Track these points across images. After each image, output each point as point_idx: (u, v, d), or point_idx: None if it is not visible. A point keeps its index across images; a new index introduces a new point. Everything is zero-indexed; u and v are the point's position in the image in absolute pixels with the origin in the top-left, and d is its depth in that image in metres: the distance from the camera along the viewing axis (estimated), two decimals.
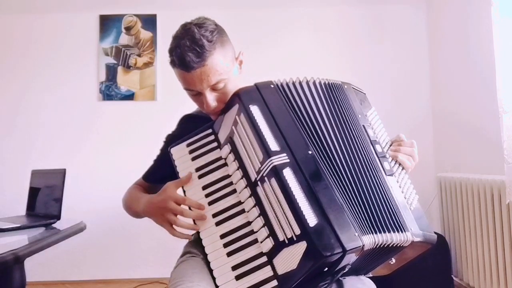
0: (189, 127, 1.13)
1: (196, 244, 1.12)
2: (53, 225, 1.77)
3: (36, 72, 3.04)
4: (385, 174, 0.99)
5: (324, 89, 1.05)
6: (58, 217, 1.81)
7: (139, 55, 3.04)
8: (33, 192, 2.07)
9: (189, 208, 1.02)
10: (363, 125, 1.04)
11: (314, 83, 1.05)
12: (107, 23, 3.06)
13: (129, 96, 3.03)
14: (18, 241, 1.47)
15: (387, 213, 0.93)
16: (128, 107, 3.03)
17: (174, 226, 1.02)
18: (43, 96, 3.03)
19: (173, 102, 2.44)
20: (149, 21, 3.05)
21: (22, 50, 3.05)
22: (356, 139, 1.00)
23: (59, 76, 3.04)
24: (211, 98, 1.05)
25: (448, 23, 2.76)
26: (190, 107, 1.26)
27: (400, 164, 1.05)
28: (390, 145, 1.08)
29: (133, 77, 3.04)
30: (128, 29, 3.05)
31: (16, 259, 1.27)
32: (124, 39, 3.05)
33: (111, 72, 3.03)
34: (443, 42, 2.82)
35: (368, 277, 1.07)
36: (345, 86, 1.10)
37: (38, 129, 3.01)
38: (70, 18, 3.06)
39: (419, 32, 3.04)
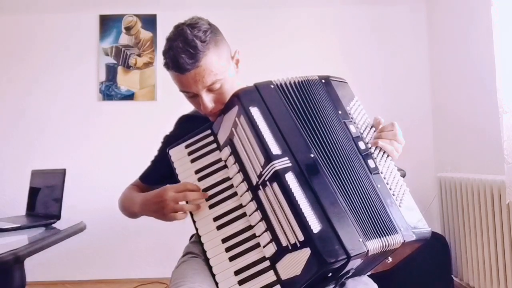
0: (187, 128, 1.12)
1: (197, 245, 1.12)
2: (53, 225, 1.77)
3: (36, 72, 3.03)
4: (370, 173, 0.96)
5: (299, 87, 1.01)
6: (58, 217, 1.81)
7: (139, 55, 3.04)
8: (33, 192, 2.06)
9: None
10: (344, 122, 1.01)
11: (290, 83, 1.02)
12: (107, 23, 3.06)
13: (129, 96, 3.03)
14: (18, 241, 1.46)
15: (376, 215, 0.91)
16: (128, 107, 3.03)
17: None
18: (43, 96, 3.02)
19: (173, 102, 2.42)
20: (149, 21, 3.05)
21: (22, 50, 3.05)
22: (340, 140, 0.97)
23: (59, 76, 3.03)
24: (208, 100, 1.03)
25: (448, 23, 2.75)
26: (190, 107, 1.25)
27: (384, 153, 1.01)
28: (373, 131, 1.05)
29: (133, 77, 3.03)
30: (128, 29, 3.05)
31: (16, 259, 1.27)
32: (124, 39, 3.05)
33: (111, 72, 3.03)
34: (443, 42, 2.82)
35: (368, 275, 1.07)
36: (323, 81, 1.05)
37: (38, 129, 3.01)
38: (70, 18, 3.06)
39: (419, 32, 3.04)
